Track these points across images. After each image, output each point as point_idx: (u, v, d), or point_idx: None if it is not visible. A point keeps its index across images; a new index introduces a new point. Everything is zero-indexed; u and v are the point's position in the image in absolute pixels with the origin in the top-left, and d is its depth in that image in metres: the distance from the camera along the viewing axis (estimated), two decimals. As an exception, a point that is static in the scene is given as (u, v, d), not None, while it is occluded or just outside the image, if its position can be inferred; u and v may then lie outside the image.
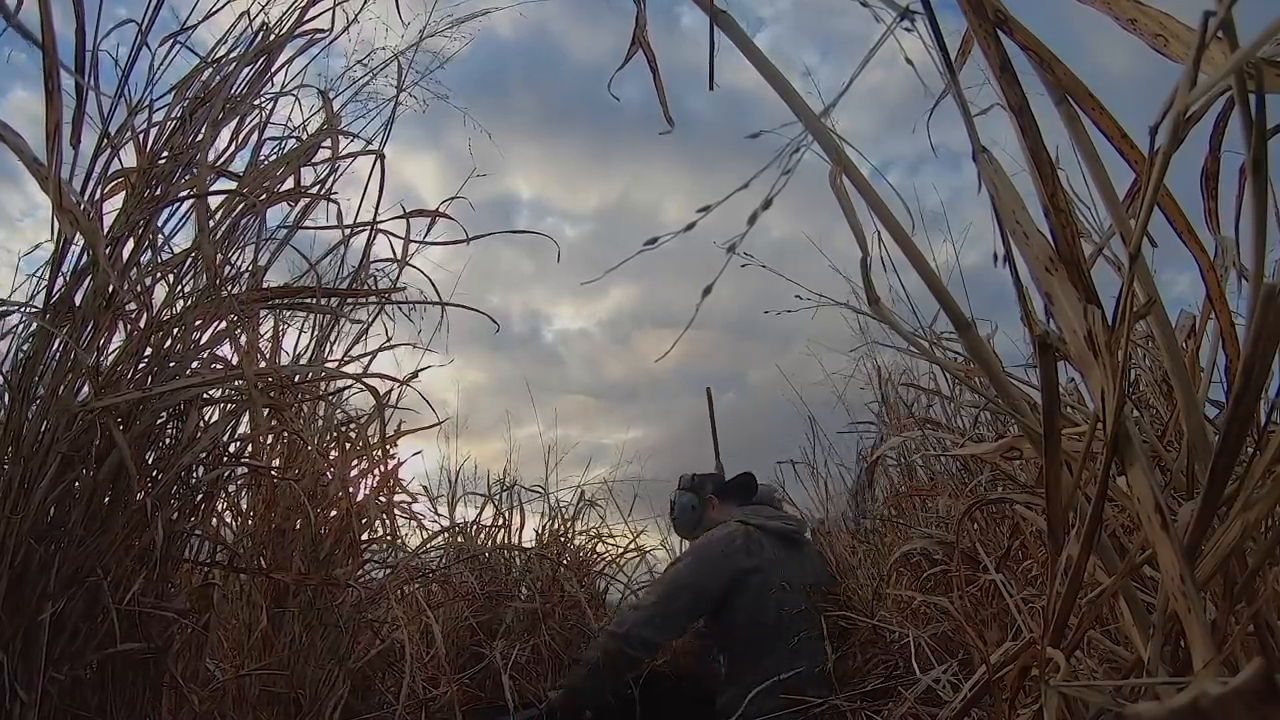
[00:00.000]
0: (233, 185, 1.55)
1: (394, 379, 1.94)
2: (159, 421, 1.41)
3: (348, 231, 1.82)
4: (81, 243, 1.25)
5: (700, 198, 0.66)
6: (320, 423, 2.00)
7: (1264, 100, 0.57)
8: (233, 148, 1.59)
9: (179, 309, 1.45)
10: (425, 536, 2.63)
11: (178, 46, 1.52)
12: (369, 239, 1.87)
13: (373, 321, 1.94)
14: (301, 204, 1.71)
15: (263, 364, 1.73)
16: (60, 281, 1.30)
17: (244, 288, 1.59)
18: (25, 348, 1.29)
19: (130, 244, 1.40)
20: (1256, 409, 0.66)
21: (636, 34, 0.94)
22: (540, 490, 3.40)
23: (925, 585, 1.83)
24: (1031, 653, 0.74)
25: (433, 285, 1.88)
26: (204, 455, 1.47)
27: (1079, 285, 0.66)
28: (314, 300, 1.62)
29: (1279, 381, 0.66)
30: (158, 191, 1.43)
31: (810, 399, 3.14)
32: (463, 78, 1.93)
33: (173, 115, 1.49)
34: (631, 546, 3.54)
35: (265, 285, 1.63)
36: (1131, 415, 0.98)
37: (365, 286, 1.88)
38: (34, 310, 1.31)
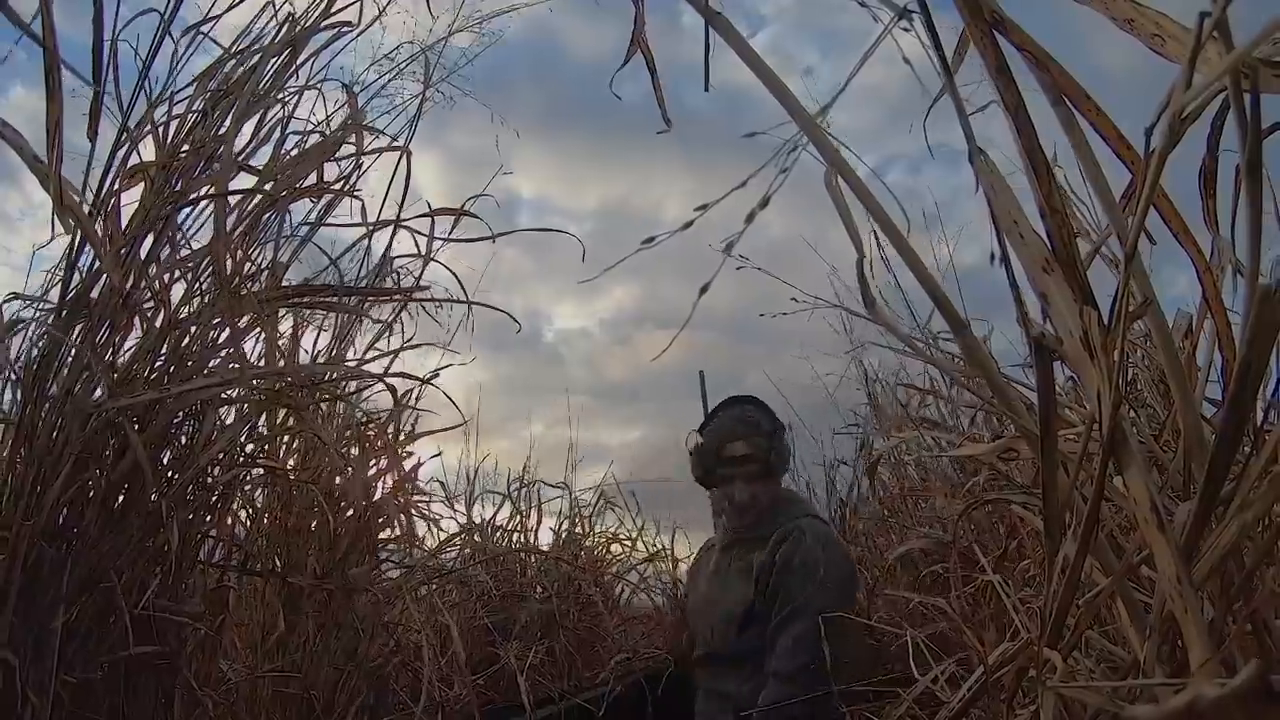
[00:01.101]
0: (253, 180, 1.54)
1: (415, 378, 1.91)
2: (175, 421, 1.41)
3: (371, 228, 1.79)
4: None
5: (702, 196, 0.67)
6: (339, 421, 2.00)
7: (1259, 100, 0.57)
8: (254, 142, 1.57)
9: (197, 307, 1.44)
10: (443, 537, 2.63)
11: (200, 38, 1.51)
12: (391, 236, 1.83)
13: (393, 320, 1.93)
14: (324, 200, 1.70)
15: (281, 363, 1.73)
16: (76, 277, 1.29)
17: (263, 285, 1.58)
18: (39, 345, 1.28)
19: (149, 239, 1.38)
20: (1253, 409, 0.65)
21: (635, 35, 0.94)
22: (564, 486, 3.39)
23: (922, 585, 1.82)
24: (1029, 653, 0.74)
25: (460, 284, 1.85)
26: (220, 456, 1.47)
27: (1075, 286, 0.66)
28: (335, 299, 1.61)
29: (1276, 381, 0.66)
30: (177, 186, 1.42)
31: (804, 402, 3.10)
32: (462, 74, 1.94)
33: (194, 108, 1.47)
34: (644, 547, 3.54)
35: (285, 283, 1.61)
36: (1128, 415, 0.98)
37: (386, 284, 1.87)
38: (49, 306, 1.31)
